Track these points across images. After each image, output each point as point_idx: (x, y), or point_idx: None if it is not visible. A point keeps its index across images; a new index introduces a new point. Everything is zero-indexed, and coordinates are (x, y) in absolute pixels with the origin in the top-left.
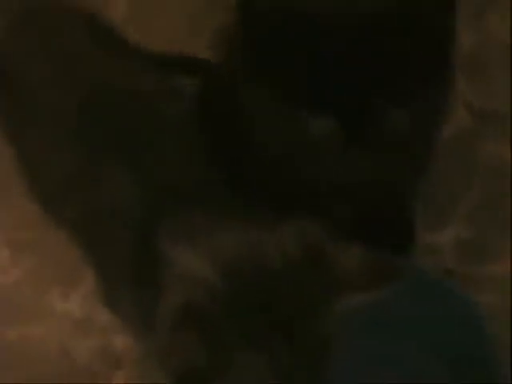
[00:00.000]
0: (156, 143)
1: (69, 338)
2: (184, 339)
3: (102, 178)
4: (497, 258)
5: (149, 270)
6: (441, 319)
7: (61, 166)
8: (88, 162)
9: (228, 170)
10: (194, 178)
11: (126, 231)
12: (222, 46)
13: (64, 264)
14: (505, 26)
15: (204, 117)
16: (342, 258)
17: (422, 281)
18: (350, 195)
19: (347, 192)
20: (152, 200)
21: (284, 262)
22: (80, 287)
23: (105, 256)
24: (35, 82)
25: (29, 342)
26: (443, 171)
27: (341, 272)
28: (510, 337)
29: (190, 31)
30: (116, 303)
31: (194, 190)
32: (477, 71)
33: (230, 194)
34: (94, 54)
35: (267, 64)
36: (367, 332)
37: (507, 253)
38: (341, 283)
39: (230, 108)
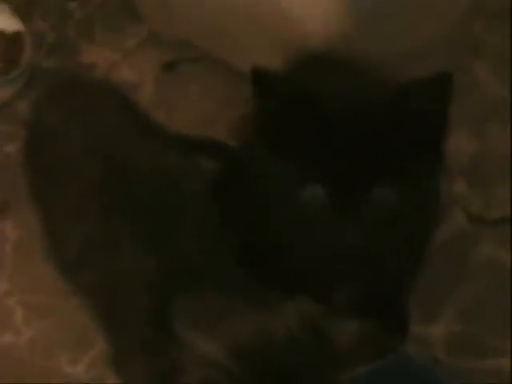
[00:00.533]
0: (174, 218)
1: None
2: None
3: (120, 248)
4: (485, 354)
5: (160, 341)
6: None
7: (83, 234)
8: (108, 231)
9: (238, 250)
10: (206, 255)
11: (140, 300)
12: (239, 132)
13: (74, 329)
14: (505, 136)
15: (220, 197)
16: (341, 334)
17: (410, 367)
18: (344, 273)
19: (342, 270)
20: (166, 273)
21: (288, 340)
22: (89, 352)
23: (118, 323)
24: (64, 153)
25: None
26: (440, 268)
27: (339, 347)
28: None
29: (211, 115)
30: (125, 370)
31: (207, 267)
32: (477, 178)
33: (240, 273)
34: (121, 131)
35: (279, 150)
36: None
37: (495, 349)
38: (339, 357)
39: (243, 190)
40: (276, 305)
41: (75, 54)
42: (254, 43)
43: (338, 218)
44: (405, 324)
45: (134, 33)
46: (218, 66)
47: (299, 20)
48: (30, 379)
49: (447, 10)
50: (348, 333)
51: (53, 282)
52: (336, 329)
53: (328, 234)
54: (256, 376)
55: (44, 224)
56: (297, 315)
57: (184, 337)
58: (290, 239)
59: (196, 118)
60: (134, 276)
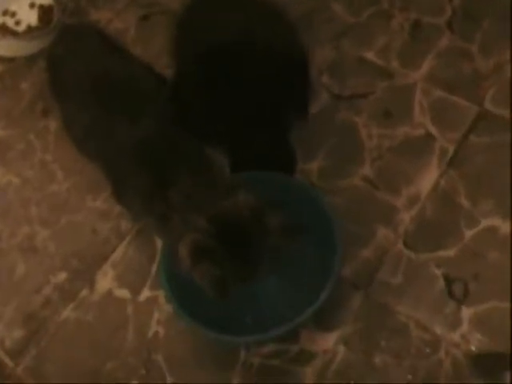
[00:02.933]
0: (143, 108)
1: (96, 222)
2: None
3: (107, 127)
4: (343, 177)
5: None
6: (307, 205)
7: (85, 120)
8: (101, 118)
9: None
10: (165, 132)
11: (125, 158)
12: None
13: (94, 179)
14: (352, 47)
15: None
16: (272, 221)
17: (298, 187)
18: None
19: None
20: (140, 144)
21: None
22: (103, 193)
23: (117, 174)
24: (71, 71)
25: (74, 224)
26: (314, 128)
27: (271, 228)
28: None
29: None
30: (125, 202)
31: (164, 141)
32: (336, 72)
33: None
34: (112, 59)
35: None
36: None
37: (349, 173)
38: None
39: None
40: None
41: (86, 15)
42: None
43: None
44: (294, 164)
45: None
46: (171, 15)
47: None
48: (68, 212)
49: None
50: (277, 220)
51: (77, 153)
52: (269, 218)
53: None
54: (227, 242)
55: (64, 117)
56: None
57: (177, 202)
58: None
59: (160, 49)
60: (124, 144)
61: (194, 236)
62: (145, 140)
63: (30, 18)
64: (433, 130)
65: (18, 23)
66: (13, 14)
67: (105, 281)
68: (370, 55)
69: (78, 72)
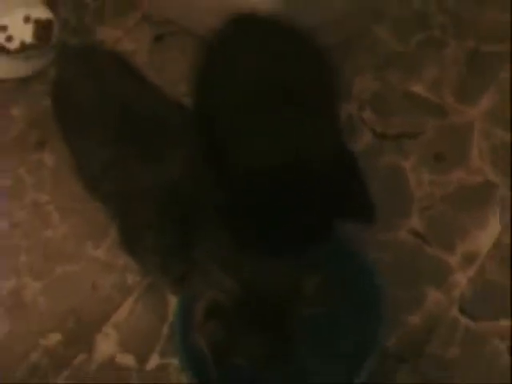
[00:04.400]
0: (165, 144)
1: (97, 274)
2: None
3: (127, 167)
4: (389, 229)
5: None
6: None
7: (99, 157)
8: (122, 154)
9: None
10: (194, 176)
11: (144, 206)
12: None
13: (96, 224)
14: (399, 79)
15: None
16: (306, 284)
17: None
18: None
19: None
20: (165, 187)
21: (274, 289)
22: (106, 240)
23: (132, 222)
24: (86, 100)
25: (70, 277)
26: None
27: (306, 293)
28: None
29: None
30: (134, 252)
31: (192, 188)
32: (379, 107)
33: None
34: (122, 84)
35: None
36: None
37: (396, 225)
38: (305, 300)
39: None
40: (271, 267)
41: (90, 33)
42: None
43: None
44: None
45: (132, 16)
46: (189, 36)
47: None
48: (64, 263)
49: None
50: (312, 285)
51: (78, 193)
52: (305, 281)
53: None
54: (251, 309)
55: (72, 152)
56: (283, 279)
57: (201, 262)
58: None
59: (176, 74)
60: (139, 188)
61: (217, 294)
62: (171, 185)
63: (23, 33)
64: (493, 177)
65: (9, 39)
66: (3, 29)
67: (106, 345)
68: (419, 88)
69: (95, 101)
